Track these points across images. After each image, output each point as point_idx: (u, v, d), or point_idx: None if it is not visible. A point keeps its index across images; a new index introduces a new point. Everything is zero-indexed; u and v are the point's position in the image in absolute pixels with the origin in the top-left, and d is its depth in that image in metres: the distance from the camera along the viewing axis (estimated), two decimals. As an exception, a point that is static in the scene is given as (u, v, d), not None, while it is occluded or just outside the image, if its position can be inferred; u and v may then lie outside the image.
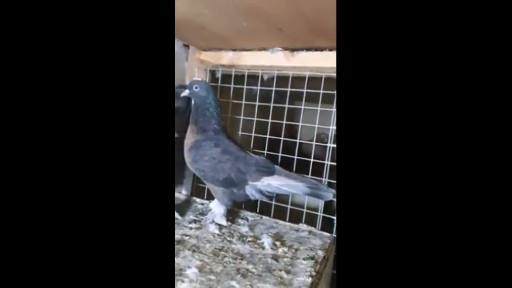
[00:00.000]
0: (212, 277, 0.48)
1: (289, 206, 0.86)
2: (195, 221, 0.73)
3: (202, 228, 0.69)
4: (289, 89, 0.85)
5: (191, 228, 0.68)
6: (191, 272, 0.49)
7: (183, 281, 0.46)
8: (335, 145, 0.82)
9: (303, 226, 0.78)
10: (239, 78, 0.94)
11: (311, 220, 0.81)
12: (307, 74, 0.82)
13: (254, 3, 0.52)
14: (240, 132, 0.96)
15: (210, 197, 0.91)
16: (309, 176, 0.81)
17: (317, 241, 0.68)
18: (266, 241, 0.64)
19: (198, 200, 0.91)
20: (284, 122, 0.88)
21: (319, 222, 0.83)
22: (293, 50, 0.79)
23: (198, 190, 1.00)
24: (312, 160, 0.84)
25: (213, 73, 0.98)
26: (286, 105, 0.88)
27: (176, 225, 0.69)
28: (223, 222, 0.72)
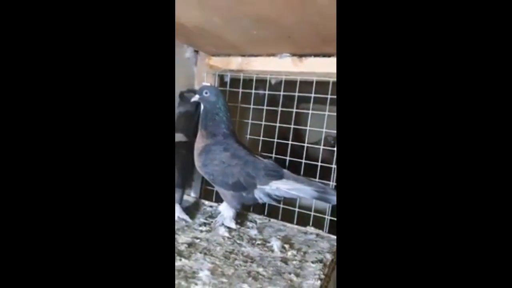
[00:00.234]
0: (224, 279, 0.50)
1: (296, 209, 0.88)
2: (205, 224, 0.75)
3: (212, 231, 0.71)
4: (296, 94, 0.86)
5: (201, 231, 0.70)
6: (204, 274, 0.50)
7: (196, 284, 0.48)
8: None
9: (310, 229, 0.79)
10: (247, 83, 0.95)
11: (318, 223, 0.83)
12: (314, 79, 0.84)
13: (265, 12, 0.53)
14: (248, 136, 0.97)
15: (219, 200, 0.92)
16: (317, 179, 0.82)
17: (325, 244, 0.69)
18: (275, 244, 0.65)
19: (206, 202, 0.93)
20: (292, 126, 0.89)
21: (326, 225, 0.84)
22: (301, 56, 0.80)
23: (207, 192, 1.01)
24: (319, 164, 0.85)
25: (221, 77, 0.99)
26: (294, 110, 0.89)
27: (186, 228, 0.71)
28: (233, 225, 0.73)
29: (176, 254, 0.56)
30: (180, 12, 0.60)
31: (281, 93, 0.89)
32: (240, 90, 0.95)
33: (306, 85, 0.86)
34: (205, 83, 1.00)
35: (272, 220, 0.83)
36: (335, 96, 0.79)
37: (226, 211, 0.75)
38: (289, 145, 0.89)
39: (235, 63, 0.91)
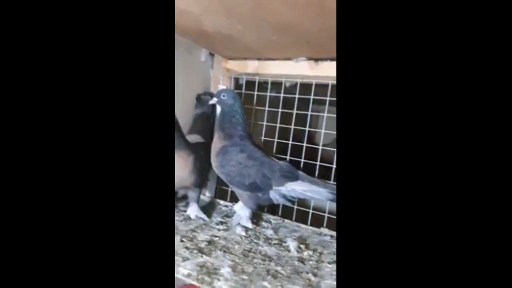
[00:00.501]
0: (245, 276, 0.52)
1: (310, 211, 0.89)
2: (221, 223, 0.77)
3: (229, 230, 0.73)
4: (312, 97, 0.88)
5: (219, 230, 0.72)
6: (225, 271, 0.52)
7: (219, 280, 0.49)
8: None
9: (325, 230, 0.80)
10: (262, 85, 0.97)
11: (332, 225, 0.84)
12: (330, 82, 0.85)
13: (285, 19, 0.55)
14: (262, 138, 0.99)
15: (233, 200, 0.95)
16: (332, 182, 0.83)
17: (340, 246, 0.70)
18: (292, 244, 0.67)
19: (221, 202, 0.95)
20: (307, 128, 0.90)
21: (340, 226, 0.85)
22: (317, 60, 0.82)
23: (221, 192, 1.03)
24: (334, 166, 0.86)
25: (236, 80, 1.01)
26: (309, 112, 0.90)
27: (204, 226, 0.73)
28: (249, 224, 0.75)
29: (197, 251, 0.59)
30: (205, 19, 0.62)
31: (296, 95, 0.90)
32: (256, 92, 0.97)
33: (321, 88, 0.88)
34: (220, 86, 1.02)
35: (286, 220, 0.85)
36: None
37: (242, 211, 0.77)
38: (304, 147, 0.90)
39: (251, 66, 0.93)
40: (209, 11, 0.57)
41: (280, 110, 0.93)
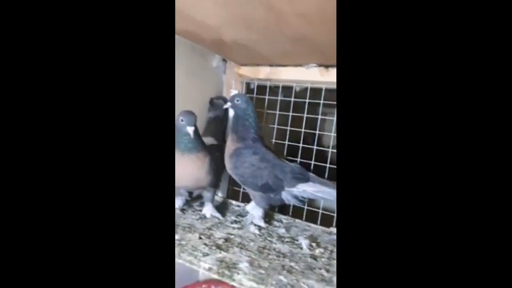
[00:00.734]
0: (262, 271, 0.55)
1: (320, 211, 0.92)
2: (236, 222, 0.81)
3: (243, 228, 0.76)
4: (322, 101, 0.91)
5: (233, 228, 0.76)
6: (244, 266, 0.56)
7: (238, 273, 0.53)
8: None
9: (334, 229, 0.83)
10: (273, 90, 1.01)
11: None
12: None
13: (301, 31, 0.59)
14: (273, 140, 1.03)
15: (245, 200, 0.98)
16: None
17: (349, 244, 0.73)
18: (304, 242, 0.70)
19: (234, 202, 0.98)
20: (317, 132, 0.94)
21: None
22: (327, 66, 0.86)
23: (234, 193, 1.07)
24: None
25: (248, 84, 1.05)
26: (319, 116, 0.94)
27: (220, 225, 0.77)
28: (262, 223, 0.79)
29: (215, 247, 0.62)
30: (223, 30, 0.66)
31: (307, 100, 0.94)
32: (267, 97, 1.00)
33: (330, 92, 0.91)
34: (233, 90, 1.06)
35: (297, 220, 0.89)
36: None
37: (255, 211, 0.81)
38: (314, 150, 0.94)
39: (263, 72, 0.97)
40: (228, 23, 0.61)
41: (290, 113, 0.96)
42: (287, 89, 0.99)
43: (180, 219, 0.77)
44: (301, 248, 0.69)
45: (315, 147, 0.94)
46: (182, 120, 0.69)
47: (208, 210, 0.82)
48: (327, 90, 0.90)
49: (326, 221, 0.89)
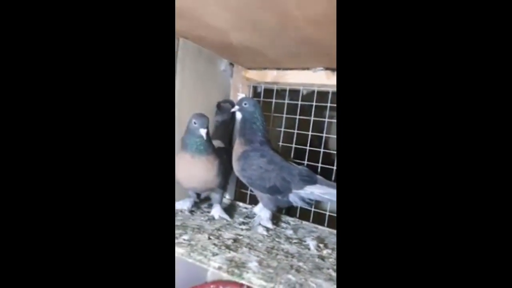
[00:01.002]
0: (271, 270, 0.56)
1: (327, 213, 0.93)
2: (244, 223, 0.81)
3: (251, 230, 0.77)
4: (329, 104, 0.92)
5: (242, 229, 0.77)
6: (253, 265, 0.57)
7: (247, 272, 0.54)
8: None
9: (341, 231, 0.84)
10: (280, 93, 1.02)
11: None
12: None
13: (308, 34, 0.60)
14: (280, 143, 1.04)
15: (252, 202, 0.99)
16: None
17: (357, 246, 0.74)
18: (311, 243, 0.71)
19: (241, 204, 0.99)
20: (324, 135, 0.94)
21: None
22: (334, 69, 0.87)
23: (241, 195, 1.08)
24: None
25: (255, 88, 1.07)
26: (326, 119, 0.95)
27: (228, 226, 0.78)
28: (269, 225, 0.79)
29: (224, 247, 0.63)
30: (231, 34, 0.68)
31: (313, 103, 0.95)
32: (273, 100, 1.02)
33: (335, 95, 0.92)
34: (240, 94, 1.08)
35: (304, 222, 0.89)
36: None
37: (262, 212, 0.81)
38: (321, 153, 0.94)
39: (270, 76, 0.98)
40: (236, 27, 0.63)
41: (297, 117, 0.97)
42: (294, 93, 1.00)
43: (189, 220, 0.78)
44: (309, 249, 0.69)
45: (322, 150, 0.94)
46: (195, 123, 0.71)
47: (216, 211, 0.83)
48: (334, 93, 0.91)
49: (333, 223, 0.89)
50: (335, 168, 0.92)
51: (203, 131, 0.70)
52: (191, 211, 0.85)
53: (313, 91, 0.95)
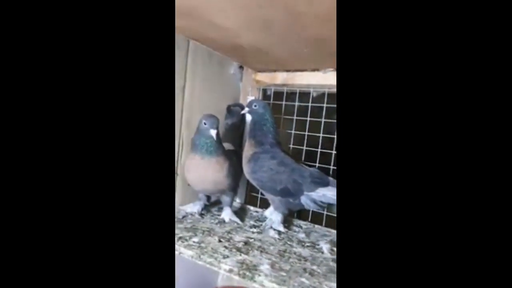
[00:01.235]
0: (283, 273, 0.54)
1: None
2: (255, 226, 0.80)
3: (262, 233, 0.76)
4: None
5: (253, 232, 0.75)
6: (265, 268, 0.55)
7: (259, 275, 0.53)
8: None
9: (355, 235, 0.81)
10: (289, 95, 1.02)
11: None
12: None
13: (319, 33, 0.59)
14: (291, 146, 1.02)
15: (263, 206, 0.98)
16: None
17: (372, 250, 0.71)
18: (324, 246, 0.69)
19: (252, 208, 0.98)
20: (336, 136, 0.93)
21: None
22: (344, 70, 0.85)
23: (252, 198, 1.07)
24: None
25: (264, 91, 1.07)
26: (336, 120, 0.93)
27: (239, 229, 0.77)
28: (281, 228, 0.78)
29: (235, 250, 0.62)
30: (241, 34, 0.68)
31: (324, 105, 0.93)
32: (284, 102, 1.01)
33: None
34: (249, 97, 1.07)
35: (316, 226, 0.87)
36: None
37: (274, 215, 0.80)
38: (333, 155, 0.93)
39: (280, 78, 0.98)
40: (246, 27, 0.63)
41: (308, 118, 0.96)
42: (304, 95, 0.99)
43: (199, 223, 0.78)
44: (322, 252, 0.67)
45: (333, 151, 0.93)
46: (205, 124, 0.71)
47: (227, 214, 0.82)
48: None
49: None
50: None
51: (213, 132, 0.69)
52: (201, 214, 0.84)
53: (324, 93, 0.94)
